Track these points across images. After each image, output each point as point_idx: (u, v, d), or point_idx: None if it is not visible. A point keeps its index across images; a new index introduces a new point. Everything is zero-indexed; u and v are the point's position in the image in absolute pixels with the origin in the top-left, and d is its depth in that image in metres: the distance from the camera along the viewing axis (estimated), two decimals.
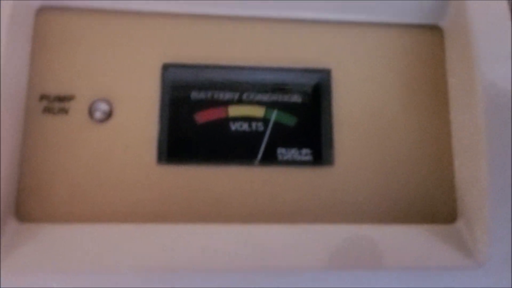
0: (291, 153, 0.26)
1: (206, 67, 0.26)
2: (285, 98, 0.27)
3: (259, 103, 0.27)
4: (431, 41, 0.27)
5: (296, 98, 0.27)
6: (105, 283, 0.21)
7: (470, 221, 0.24)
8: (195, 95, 0.26)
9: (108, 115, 0.24)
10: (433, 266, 0.23)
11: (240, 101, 0.27)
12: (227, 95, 0.26)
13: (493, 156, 0.23)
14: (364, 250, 0.23)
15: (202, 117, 0.26)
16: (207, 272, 0.22)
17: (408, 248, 0.23)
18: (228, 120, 0.26)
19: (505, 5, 0.25)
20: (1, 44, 0.22)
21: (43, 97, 0.24)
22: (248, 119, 0.26)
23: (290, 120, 0.27)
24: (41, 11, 0.25)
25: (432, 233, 0.24)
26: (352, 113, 0.26)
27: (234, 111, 0.26)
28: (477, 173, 0.23)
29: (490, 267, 0.23)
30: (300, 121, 0.27)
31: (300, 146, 0.26)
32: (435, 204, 0.25)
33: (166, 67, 0.25)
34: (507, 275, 0.23)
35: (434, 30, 0.27)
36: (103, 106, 0.24)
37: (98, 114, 0.24)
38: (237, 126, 0.26)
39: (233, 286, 0.22)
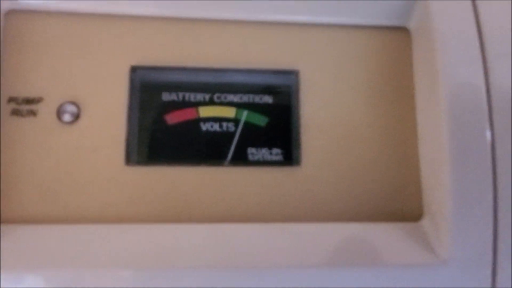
0: (262, 153, 0.26)
1: (176, 69, 0.26)
2: (256, 99, 0.27)
3: (230, 104, 0.27)
4: (398, 43, 0.27)
5: (267, 99, 0.27)
6: (74, 280, 0.21)
7: (435, 220, 0.24)
8: (165, 96, 0.26)
9: (77, 117, 0.24)
10: (398, 263, 0.23)
11: (211, 102, 0.27)
12: (198, 96, 0.27)
13: (455, 158, 0.23)
14: (330, 247, 0.23)
15: (173, 118, 0.26)
16: (175, 270, 0.22)
17: (374, 245, 0.24)
18: (199, 120, 0.26)
19: (469, 5, 0.26)
20: None
21: (11, 99, 0.24)
22: (219, 120, 0.27)
23: (260, 121, 0.27)
24: (9, 14, 0.25)
25: (398, 231, 0.25)
26: (320, 114, 0.26)
27: (205, 111, 0.27)
28: (441, 173, 0.24)
29: (454, 265, 0.23)
30: (271, 121, 0.27)
31: (270, 146, 0.27)
32: (401, 203, 0.26)
33: (134, 69, 0.25)
34: (470, 272, 0.23)
35: (401, 32, 0.28)
36: (72, 108, 0.24)
37: (66, 116, 0.24)
38: (208, 126, 0.27)
39: (201, 284, 0.22)
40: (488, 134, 0.24)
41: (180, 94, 0.27)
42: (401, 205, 0.26)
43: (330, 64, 0.27)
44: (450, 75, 0.24)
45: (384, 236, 0.24)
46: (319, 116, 0.26)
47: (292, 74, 0.27)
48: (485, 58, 0.25)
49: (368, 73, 0.27)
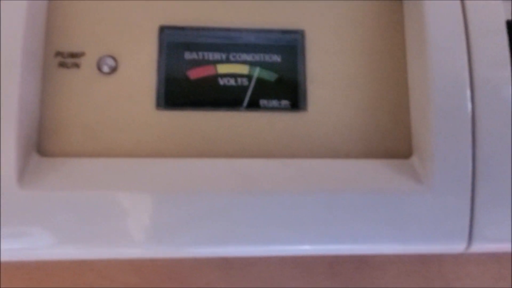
0: (272, 104, 0.30)
1: (197, 28, 0.30)
2: (266, 57, 0.31)
3: (244, 62, 0.31)
4: (392, 8, 0.31)
5: (276, 58, 0.31)
6: (110, 201, 0.25)
7: (422, 156, 0.28)
8: (187, 55, 0.30)
9: (114, 69, 0.28)
10: (390, 190, 0.27)
11: (227, 60, 0.31)
12: (215, 55, 0.31)
13: (438, 105, 0.27)
14: (330, 179, 0.27)
15: (194, 74, 0.30)
16: (195, 195, 0.26)
17: (369, 177, 0.28)
18: (217, 76, 0.30)
19: None
20: (21, 11, 0.26)
21: (58, 53, 0.28)
22: (234, 76, 0.30)
23: (271, 76, 0.31)
24: None
25: (391, 166, 0.28)
26: (322, 68, 0.30)
27: (222, 68, 0.31)
28: (427, 118, 0.28)
29: (437, 191, 0.27)
30: (280, 76, 0.31)
31: (280, 98, 0.30)
32: (393, 143, 0.29)
33: (162, 29, 0.29)
34: (452, 196, 0.27)
35: (394, 1, 0.31)
36: (110, 61, 0.28)
37: (105, 68, 0.28)
38: (225, 81, 0.30)
39: (220, 206, 0.26)
40: (467, 91, 0.28)
41: (200, 53, 0.31)
42: (393, 145, 0.29)
43: (332, 25, 0.31)
44: (435, 40, 0.28)
45: (378, 169, 0.28)
46: (322, 71, 0.30)
47: (298, 33, 0.31)
48: (468, 33, 0.29)
49: (365, 33, 0.31)
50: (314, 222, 0.27)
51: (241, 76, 0.30)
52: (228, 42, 0.31)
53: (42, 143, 0.27)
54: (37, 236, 0.25)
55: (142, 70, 0.29)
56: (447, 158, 0.27)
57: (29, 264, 0.28)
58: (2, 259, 0.25)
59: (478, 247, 0.28)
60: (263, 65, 0.31)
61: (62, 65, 0.28)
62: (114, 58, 0.28)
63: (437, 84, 0.28)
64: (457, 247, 0.28)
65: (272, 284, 0.28)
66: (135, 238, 0.26)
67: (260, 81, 0.30)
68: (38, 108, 0.27)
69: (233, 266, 0.29)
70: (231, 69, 0.31)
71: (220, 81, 0.30)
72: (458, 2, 0.29)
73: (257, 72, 0.31)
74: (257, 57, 0.31)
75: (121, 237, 0.26)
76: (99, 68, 0.28)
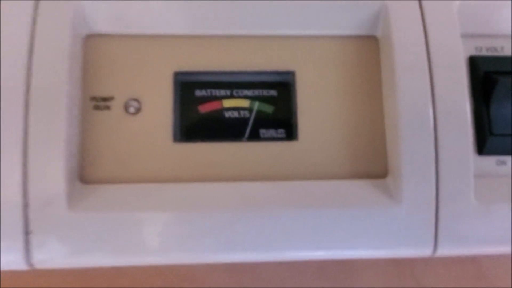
0: (270, 132, 0.36)
1: (205, 73, 0.36)
2: (264, 92, 0.36)
3: (245, 97, 0.36)
4: (369, 49, 0.36)
5: (273, 93, 0.37)
6: (140, 218, 0.32)
7: (394, 176, 0.34)
8: (198, 92, 0.36)
9: (138, 109, 0.34)
10: (365, 205, 0.33)
11: (231, 96, 0.36)
12: (221, 92, 0.36)
13: (406, 134, 0.32)
14: (316, 197, 0.33)
15: (204, 108, 0.36)
16: (206, 213, 0.32)
17: (349, 195, 0.33)
18: (223, 110, 0.36)
19: (416, 7, 0.35)
20: (64, 64, 0.32)
21: (92, 98, 0.34)
22: (237, 109, 0.36)
23: (268, 109, 0.36)
24: (88, 38, 0.35)
25: (368, 185, 0.34)
26: (310, 103, 0.35)
27: (227, 103, 0.36)
28: (397, 144, 0.33)
29: (405, 206, 0.32)
30: (276, 109, 0.36)
31: (276, 127, 0.36)
32: (371, 166, 0.35)
33: (176, 74, 0.35)
34: (418, 210, 0.33)
35: (371, 40, 0.37)
36: (134, 103, 0.34)
37: (131, 109, 0.34)
38: (230, 114, 0.36)
39: (225, 222, 0.32)
40: (431, 119, 0.33)
41: (209, 91, 0.36)
42: (371, 167, 0.35)
43: (318, 65, 0.36)
44: (403, 80, 0.33)
45: (358, 188, 0.34)
46: (310, 105, 0.35)
47: (290, 74, 0.36)
48: (431, 66, 0.34)
49: (346, 70, 0.36)
50: (305, 233, 0.33)
51: (243, 109, 0.36)
52: (231, 81, 0.36)
53: (82, 172, 0.33)
54: (83, 248, 0.31)
55: (161, 109, 0.35)
56: (414, 177, 0.33)
57: (74, 270, 0.35)
58: (55, 266, 0.32)
59: (443, 251, 0.33)
60: (261, 99, 0.36)
61: (96, 108, 0.34)
62: (138, 101, 0.35)
63: (405, 113, 0.33)
64: (425, 251, 0.33)
65: (271, 283, 0.34)
66: (159, 248, 0.32)
67: (259, 113, 0.36)
68: (79, 144, 0.34)
69: (238, 269, 0.35)
70: (234, 103, 0.36)
71: (225, 114, 0.36)
72: (423, 39, 0.34)
73: (256, 105, 0.36)
74: (257, 92, 0.37)
75: (148, 248, 0.32)
76: (126, 110, 0.34)
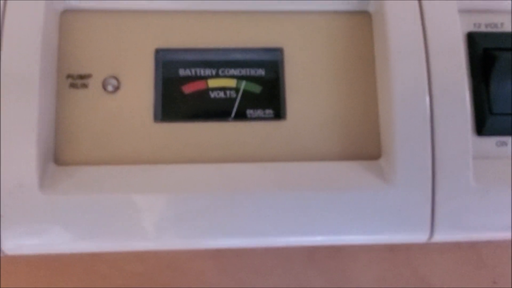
0: (258, 113, 0.34)
1: (189, 50, 0.34)
2: (252, 72, 0.35)
3: (232, 76, 0.35)
4: (361, 24, 0.35)
5: (260, 72, 0.35)
6: (118, 201, 0.30)
7: (388, 158, 0.32)
8: (181, 72, 0.34)
9: (117, 88, 0.33)
10: (358, 188, 0.31)
11: (217, 75, 0.35)
12: (206, 71, 0.34)
13: (400, 113, 0.31)
14: (306, 178, 0.31)
15: (188, 88, 0.34)
16: (189, 194, 0.30)
17: (341, 176, 0.31)
18: (208, 90, 0.34)
19: None
20: (38, 41, 0.30)
21: (69, 76, 0.32)
22: (223, 89, 0.34)
23: (256, 88, 0.35)
24: (64, 13, 0.33)
25: (361, 167, 0.32)
26: (299, 81, 0.34)
27: (213, 83, 0.34)
28: (391, 124, 0.31)
29: (400, 187, 0.31)
30: (264, 89, 0.35)
31: (264, 108, 0.34)
32: (364, 146, 0.33)
33: (158, 51, 0.34)
34: (413, 192, 0.31)
35: (364, 15, 0.35)
36: (113, 82, 0.33)
37: (109, 87, 0.32)
38: (215, 94, 0.34)
39: (208, 203, 0.30)
40: (427, 99, 0.31)
41: (193, 70, 0.35)
42: (364, 148, 0.33)
43: (308, 42, 0.34)
44: (397, 53, 0.31)
45: (351, 170, 0.32)
46: (299, 83, 0.34)
47: (278, 51, 0.34)
48: (427, 44, 0.32)
49: (337, 47, 0.34)
50: (294, 217, 0.31)
51: (230, 89, 0.34)
52: (217, 59, 0.35)
53: (57, 153, 0.32)
54: (56, 233, 0.29)
55: (141, 88, 0.33)
56: (409, 158, 0.31)
57: (48, 256, 0.33)
58: (27, 252, 0.30)
59: (440, 236, 0.31)
60: (249, 78, 0.35)
61: (73, 85, 0.32)
62: (117, 79, 0.33)
63: (399, 93, 0.31)
64: (421, 237, 0.31)
65: (257, 271, 0.32)
66: (139, 233, 0.30)
67: (246, 93, 0.34)
68: (54, 123, 0.32)
69: (223, 256, 0.33)
70: (220, 83, 0.34)
71: (211, 94, 0.34)
72: (418, 15, 0.32)
73: (243, 85, 0.34)
74: (243, 71, 0.35)
75: (127, 233, 0.30)
76: (104, 88, 0.32)
